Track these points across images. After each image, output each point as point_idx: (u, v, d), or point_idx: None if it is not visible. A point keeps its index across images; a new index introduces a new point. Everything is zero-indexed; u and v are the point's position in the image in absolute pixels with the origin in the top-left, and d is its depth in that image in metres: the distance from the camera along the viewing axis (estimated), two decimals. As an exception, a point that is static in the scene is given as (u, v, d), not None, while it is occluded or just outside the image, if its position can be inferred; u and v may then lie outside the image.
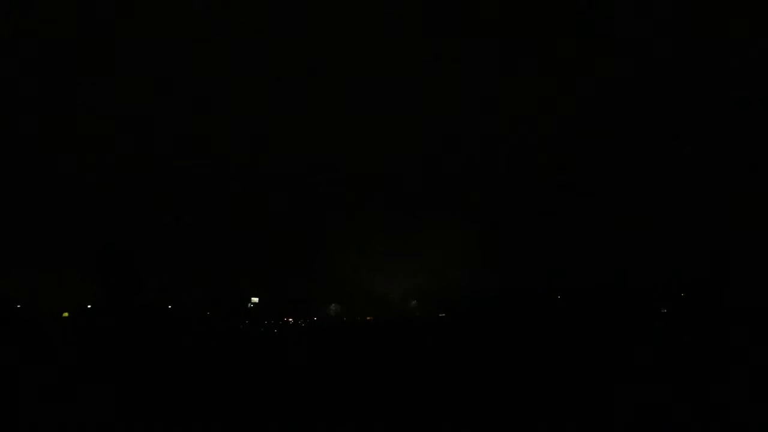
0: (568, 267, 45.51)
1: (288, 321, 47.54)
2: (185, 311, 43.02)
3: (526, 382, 11.14)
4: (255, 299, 54.70)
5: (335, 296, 59.39)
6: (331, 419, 8.27)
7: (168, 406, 9.52)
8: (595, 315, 32.31)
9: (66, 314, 38.76)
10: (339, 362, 15.40)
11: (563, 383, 10.80)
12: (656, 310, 34.99)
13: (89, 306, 40.28)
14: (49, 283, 42.66)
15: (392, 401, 9.35)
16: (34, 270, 43.54)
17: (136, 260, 41.34)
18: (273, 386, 11.14)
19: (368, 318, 50.81)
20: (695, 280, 38.40)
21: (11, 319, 35.06)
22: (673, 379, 10.96)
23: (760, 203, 41.08)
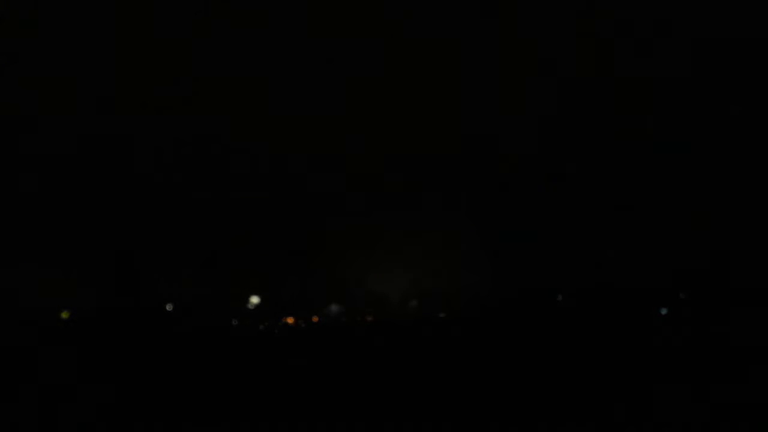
0: (568, 267, 45.50)
1: (288, 321, 47.51)
2: (185, 311, 42.99)
3: (527, 381, 11.11)
4: (255, 299, 54.62)
5: (335, 296, 59.32)
6: (331, 419, 8.24)
7: (168, 406, 9.47)
8: (595, 315, 32.31)
9: (66, 314, 38.72)
10: (339, 362, 15.37)
11: (564, 383, 10.77)
12: (656, 310, 34.98)
13: (88, 306, 40.19)
14: (49, 283, 42.60)
15: (393, 401, 9.32)
16: (33, 269, 43.51)
17: (137, 260, 41.28)
18: (273, 386, 11.11)
19: (368, 318, 50.78)
20: (695, 280, 38.38)
21: (10, 319, 35.02)
22: (673, 379, 10.92)
23: (760, 203, 41.08)
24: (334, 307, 58.80)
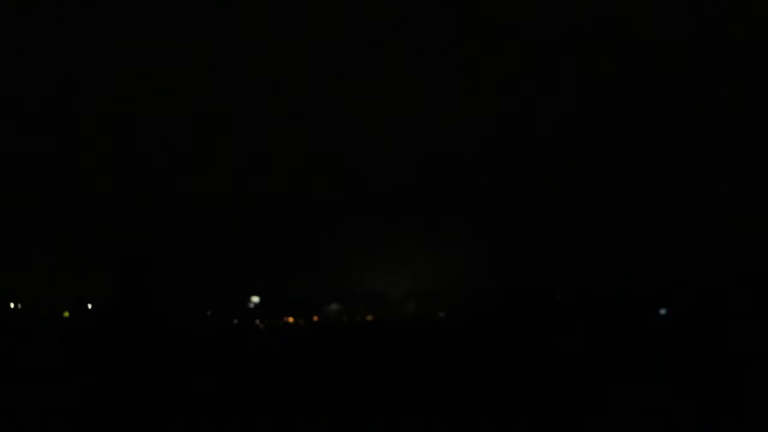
0: (568, 266, 45.51)
1: (288, 321, 47.59)
2: (185, 311, 43.00)
3: (527, 381, 11.15)
4: (255, 299, 54.62)
5: (335, 296, 59.32)
6: (331, 419, 8.26)
7: (168, 406, 9.51)
8: (595, 314, 32.34)
9: (66, 314, 38.75)
10: (340, 362, 15.40)
11: (564, 383, 10.80)
12: (655, 310, 35.00)
13: (89, 306, 40.24)
14: (48, 283, 42.62)
15: (393, 401, 9.35)
16: (33, 269, 43.53)
17: (148, 260, 41.26)
18: (274, 386, 11.14)
19: (368, 318, 50.84)
20: (695, 281, 38.38)
21: (9, 319, 35.04)
22: (673, 379, 10.95)
23: (760, 203, 41.11)
24: (334, 307, 58.81)
